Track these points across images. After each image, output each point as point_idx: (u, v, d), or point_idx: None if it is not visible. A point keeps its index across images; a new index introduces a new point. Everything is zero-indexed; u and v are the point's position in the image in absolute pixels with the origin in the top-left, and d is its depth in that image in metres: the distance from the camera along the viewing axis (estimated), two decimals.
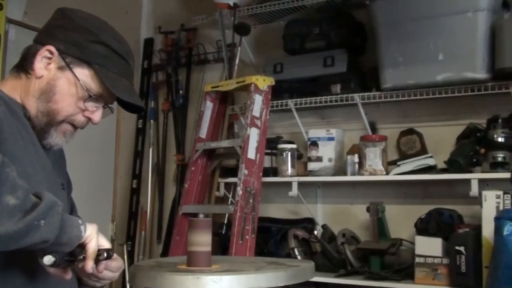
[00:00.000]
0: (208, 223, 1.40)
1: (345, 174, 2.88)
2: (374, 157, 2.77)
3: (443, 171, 2.65)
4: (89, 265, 1.14)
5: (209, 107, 3.20)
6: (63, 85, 1.26)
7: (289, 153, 2.98)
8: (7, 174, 1.00)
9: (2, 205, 0.98)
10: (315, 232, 3.01)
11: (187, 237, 1.41)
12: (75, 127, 1.31)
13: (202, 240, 1.36)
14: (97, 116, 1.31)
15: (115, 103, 1.35)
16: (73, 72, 1.26)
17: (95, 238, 1.14)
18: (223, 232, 3.14)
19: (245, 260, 1.75)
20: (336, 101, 2.91)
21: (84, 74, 1.26)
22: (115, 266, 1.30)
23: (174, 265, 1.39)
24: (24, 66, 1.28)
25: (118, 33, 1.34)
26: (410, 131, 2.90)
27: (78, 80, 1.26)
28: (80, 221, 1.12)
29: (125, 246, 3.62)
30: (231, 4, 3.19)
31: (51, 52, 1.26)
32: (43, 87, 1.26)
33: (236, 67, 3.23)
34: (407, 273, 2.56)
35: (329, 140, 2.96)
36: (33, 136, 1.25)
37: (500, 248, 2.01)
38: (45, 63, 1.26)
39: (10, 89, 1.28)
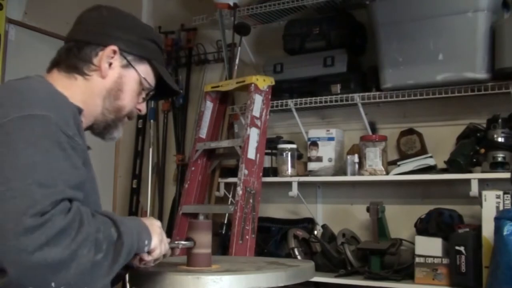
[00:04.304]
0: (208, 225, 1.39)
1: (345, 174, 2.88)
2: (374, 157, 2.77)
3: (443, 171, 2.64)
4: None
5: (209, 107, 3.20)
6: (128, 82, 1.31)
7: (289, 153, 2.98)
8: (95, 238, 1.02)
9: (92, 263, 1.00)
10: (315, 232, 3.00)
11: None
12: (129, 119, 1.38)
13: (202, 242, 1.36)
14: (144, 107, 1.40)
15: None
16: (136, 70, 1.32)
17: (159, 249, 1.20)
18: (223, 232, 3.14)
19: (245, 260, 1.74)
20: (336, 101, 2.91)
21: (144, 70, 1.34)
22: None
23: (174, 265, 1.39)
24: (79, 67, 1.27)
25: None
26: (410, 131, 2.90)
27: (142, 77, 1.33)
28: (146, 242, 1.15)
29: None
30: (231, 4, 3.19)
31: (114, 52, 1.29)
32: (110, 86, 1.29)
33: (236, 67, 3.23)
34: (407, 273, 2.56)
35: (329, 140, 2.96)
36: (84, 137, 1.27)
37: (500, 248, 2.01)
38: (108, 63, 1.29)
39: (64, 90, 1.23)
